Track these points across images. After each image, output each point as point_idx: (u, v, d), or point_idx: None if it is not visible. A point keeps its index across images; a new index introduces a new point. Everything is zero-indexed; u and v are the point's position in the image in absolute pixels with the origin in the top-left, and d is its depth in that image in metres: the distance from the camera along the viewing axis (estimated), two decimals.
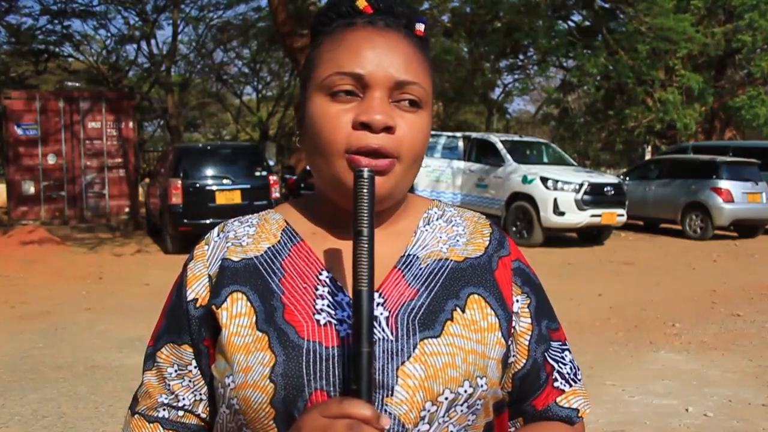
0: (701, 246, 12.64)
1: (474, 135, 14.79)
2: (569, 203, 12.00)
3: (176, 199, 11.07)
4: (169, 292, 0.97)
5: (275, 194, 11.88)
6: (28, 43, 23.92)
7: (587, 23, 20.83)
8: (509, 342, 0.92)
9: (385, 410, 0.82)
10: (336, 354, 0.84)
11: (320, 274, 0.91)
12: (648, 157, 21.06)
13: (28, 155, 14.04)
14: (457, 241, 0.97)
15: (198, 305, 0.91)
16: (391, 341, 0.85)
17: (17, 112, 13.99)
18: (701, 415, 4.35)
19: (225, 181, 11.41)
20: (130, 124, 14.94)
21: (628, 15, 18.13)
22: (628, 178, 15.41)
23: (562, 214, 12.00)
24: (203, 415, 0.93)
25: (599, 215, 12.15)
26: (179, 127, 25.43)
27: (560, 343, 0.98)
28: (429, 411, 0.83)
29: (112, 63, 27.11)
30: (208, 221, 10.61)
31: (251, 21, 26.94)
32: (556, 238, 12.81)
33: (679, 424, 4.22)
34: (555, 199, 12.01)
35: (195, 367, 0.92)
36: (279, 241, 0.94)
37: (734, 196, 13.35)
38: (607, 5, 19.56)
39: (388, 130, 0.86)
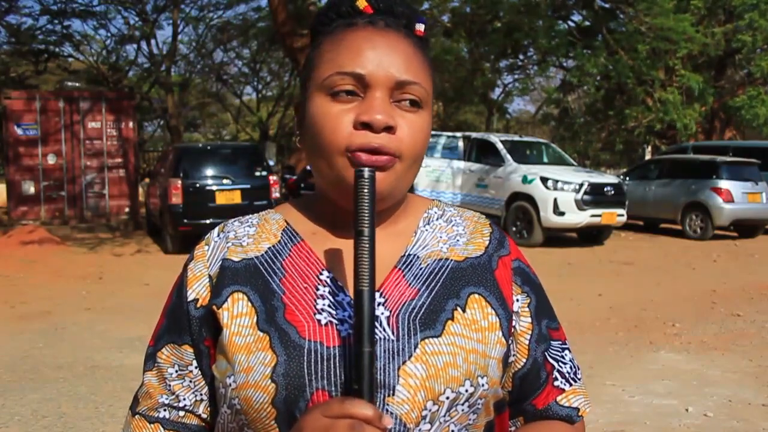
0: (701, 246, 12.64)
1: (474, 135, 14.79)
2: (569, 203, 12.00)
3: (176, 199, 11.07)
4: (170, 293, 0.97)
5: (275, 194, 11.88)
6: (28, 43, 23.92)
7: (587, 23, 20.83)
8: (509, 341, 0.92)
9: (387, 410, 0.82)
10: (337, 354, 0.84)
11: (321, 274, 0.91)
12: (648, 157, 21.06)
13: (28, 155, 14.04)
14: (458, 240, 0.97)
15: (198, 305, 0.92)
16: (392, 341, 0.85)
17: (17, 112, 13.99)
18: (701, 415, 4.35)
19: (225, 181, 11.42)
20: (130, 124, 14.94)
21: (628, 15, 18.14)
22: (628, 178, 15.41)
23: (562, 214, 12.00)
24: (204, 416, 0.93)
25: (599, 215, 12.15)
26: (179, 127, 25.43)
27: (560, 342, 0.98)
28: (430, 410, 0.83)
29: (112, 63, 27.12)
30: (208, 221, 10.61)
31: (251, 21, 26.95)
32: (556, 238, 12.82)
33: (679, 424, 4.22)
34: (555, 199, 12.01)
35: (196, 368, 0.92)
36: (279, 241, 0.94)
37: (734, 196, 13.35)
38: (607, 5, 19.56)
39: (389, 129, 0.86)
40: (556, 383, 0.96)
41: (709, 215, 13.45)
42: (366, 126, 0.86)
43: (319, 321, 0.86)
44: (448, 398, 0.84)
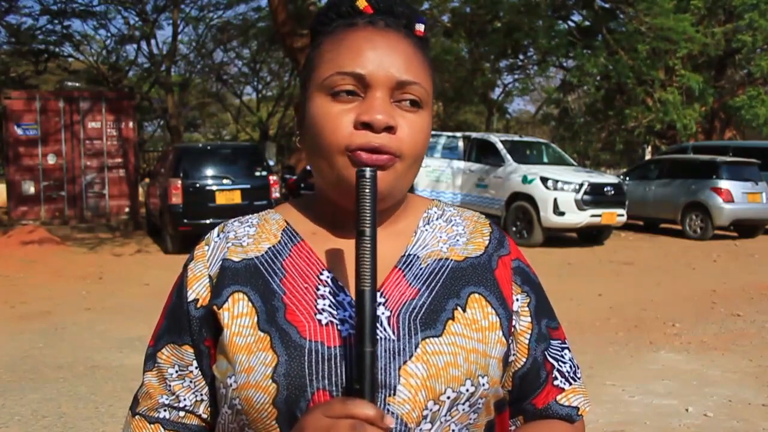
0: (701, 246, 12.64)
1: (474, 135, 14.79)
2: (569, 203, 12.00)
3: (176, 199, 11.07)
4: (169, 293, 0.97)
5: (275, 194, 11.88)
6: (28, 43, 23.92)
7: (587, 23, 20.83)
8: (510, 341, 0.93)
9: (388, 410, 0.82)
10: (338, 354, 0.84)
11: (321, 274, 0.91)
12: (648, 157, 21.07)
13: (28, 155, 14.04)
14: (457, 240, 0.97)
15: (199, 306, 0.91)
16: (393, 341, 0.85)
17: (17, 112, 13.99)
18: (701, 415, 4.35)
19: (225, 181, 11.42)
20: (130, 124, 14.94)
21: (628, 15, 18.13)
22: (628, 178, 15.41)
23: (562, 214, 12.00)
24: (204, 416, 0.93)
25: (599, 215, 12.15)
26: (179, 127, 25.43)
27: (560, 341, 0.99)
28: (431, 410, 0.83)
29: (112, 63, 27.12)
30: (208, 221, 10.61)
31: (251, 21, 26.95)
32: (556, 238, 12.82)
33: (679, 424, 4.22)
34: (555, 199, 12.02)
35: (196, 368, 0.92)
36: (279, 242, 0.94)
37: (734, 196, 13.35)
38: (607, 5, 19.56)
39: (390, 129, 0.86)
40: (556, 382, 0.96)
41: (709, 215, 13.45)
42: (366, 126, 0.86)
43: (319, 321, 0.86)
44: (449, 398, 0.84)
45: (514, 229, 12.43)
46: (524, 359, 0.95)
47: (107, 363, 5.43)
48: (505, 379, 0.94)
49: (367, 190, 0.80)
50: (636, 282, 9.11)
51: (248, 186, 11.51)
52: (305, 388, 0.82)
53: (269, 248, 0.93)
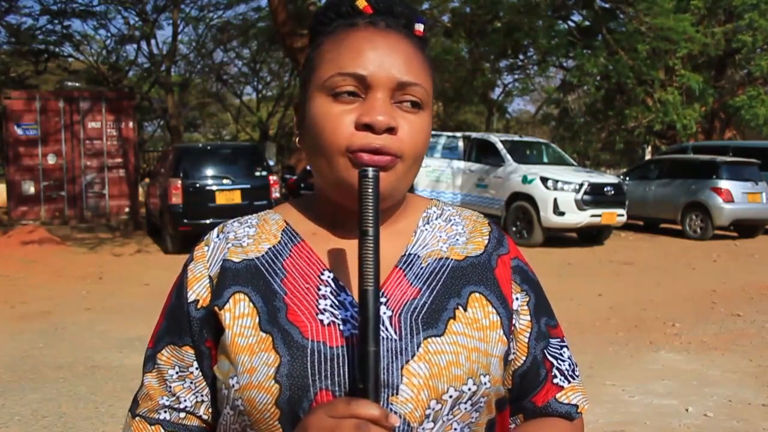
0: (701, 246, 12.64)
1: (474, 135, 14.79)
2: (569, 203, 12.00)
3: (176, 199, 11.07)
4: (169, 293, 0.97)
5: (275, 194, 11.88)
6: (28, 43, 23.92)
7: (587, 23, 20.83)
8: (510, 339, 0.93)
9: (391, 409, 0.82)
10: (340, 354, 0.84)
11: (322, 274, 0.91)
12: (648, 157, 21.06)
13: (28, 155, 14.04)
14: (457, 240, 0.97)
15: (199, 306, 0.91)
16: (395, 340, 0.85)
17: (17, 112, 13.99)
18: (701, 415, 4.35)
19: (225, 181, 11.42)
20: (130, 124, 14.94)
21: (628, 15, 18.14)
22: (628, 178, 15.41)
23: (562, 214, 12.00)
24: (205, 417, 0.93)
25: (599, 215, 12.15)
26: (179, 127, 25.44)
27: (559, 339, 0.99)
28: (434, 409, 0.84)
29: (112, 63, 27.12)
30: (208, 221, 10.61)
31: (251, 21, 26.95)
32: (556, 238, 12.82)
33: (679, 424, 4.22)
34: (555, 199, 12.01)
35: (196, 369, 0.92)
36: (279, 242, 0.94)
37: (734, 196, 13.35)
38: (607, 5, 19.57)
39: (391, 131, 0.86)
40: (555, 380, 0.97)
41: (709, 215, 13.45)
42: (368, 127, 0.86)
43: (321, 321, 0.86)
44: (451, 397, 0.84)
45: (514, 229, 12.43)
46: (524, 358, 0.95)
47: (107, 363, 5.43)
48: (505, 378, 0.94)
49: (370, 190, 0.80)
50: (636, 282, 9.11)
51: (248, 186, 11.51)
52: (308, 388, 0.82)
53: (269, 249, 0.93)
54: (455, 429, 0.86)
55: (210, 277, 0.92)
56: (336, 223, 0.94)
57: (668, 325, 6.68)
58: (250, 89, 33.97)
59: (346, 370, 0.83)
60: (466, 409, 0.86)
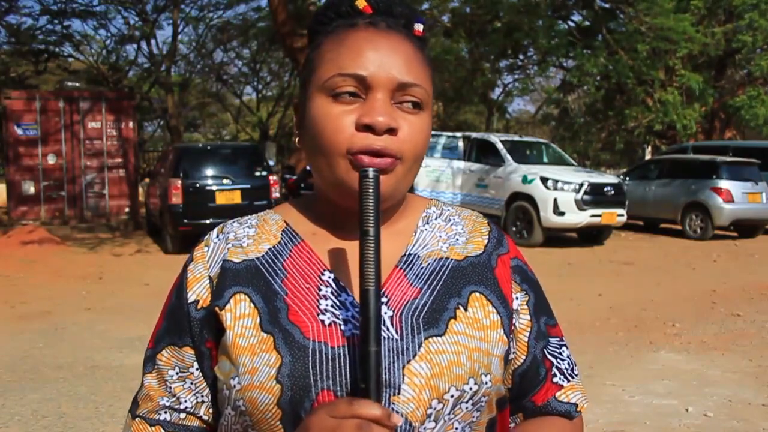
0: (701, 246, 12.64)
1: (474, 135, 14.79)
2: (569, 203, 12.00)
3: (176, 199, 11.08)
4: (169, 294, 0.97)
5: (275, 194, 11.88)
6: (28, 43, 23.91)
7: (587, 23, 20.83)
8: (510, 339, 0.93)
9: (392, 409, 0.82)
10: (342, 354, 0.84)
11: (322, 274, 0.91)
12: (648, 157, 21.06)
13: (28, 155, 14.04)
14: (457, 239, 0.97)
15: (199, 307, 0.91)
16: (396, 340, 0.86)
17: (17, 112, 13.99)
18: (701, 415, 4.35)
19: (225, 181, 11.42)
20: (130, 124, 14.94)
21: (628, 15, 18.13)
22: (628, 178, 15.41)
23: (562, 214, 12.00)
24: (205, 417, 0.93)
25: (599, 215, 12.15)
26: (179, 127, 25.43)
27: (558, 339, 0.99)
28: (435, 409, 0.84)
29: (112, 63, 27.12)
30: (208, 221, 10.62)
31: (251, 21, 26.95)
32: (556, 238, 12.82)
33: (679, 424, 4.22)
34: (555, 199, 12.02)
35: (197, 369, 0.92)
36: (279, 242, 0.94)
37: (734, 196, 13.35)
38: (607, 5, 19.56)
39: (391, 131, 0.86)
40: (555, 379, 0.97)
41: (709, 215, 13.45)
42: (368, 128, 0.86)
43: (322, 321, 0.86)
44: (452, 396, 0.85)
45: (514, 229, 12.43)
46: (524, 357, 0.95)
47: (107, 363, 5.43)
48: (505, 377, 0.94)
49: (371, 191, 0.80)
50: (636, 282, 9.11)
51: (248, 186, 11.51)
52: (309, 388, 0.82)
53: (269, 249, 0.93)
54: (456, 428, 0.86)
55: (210, 278, 0.92)
56: (336, 223, 0.94)
57: (668, 325, 6.68)
58: (250, 89, 34.03)
59: (348, 370, 0.83)
60: (467, 408, 0.86)
